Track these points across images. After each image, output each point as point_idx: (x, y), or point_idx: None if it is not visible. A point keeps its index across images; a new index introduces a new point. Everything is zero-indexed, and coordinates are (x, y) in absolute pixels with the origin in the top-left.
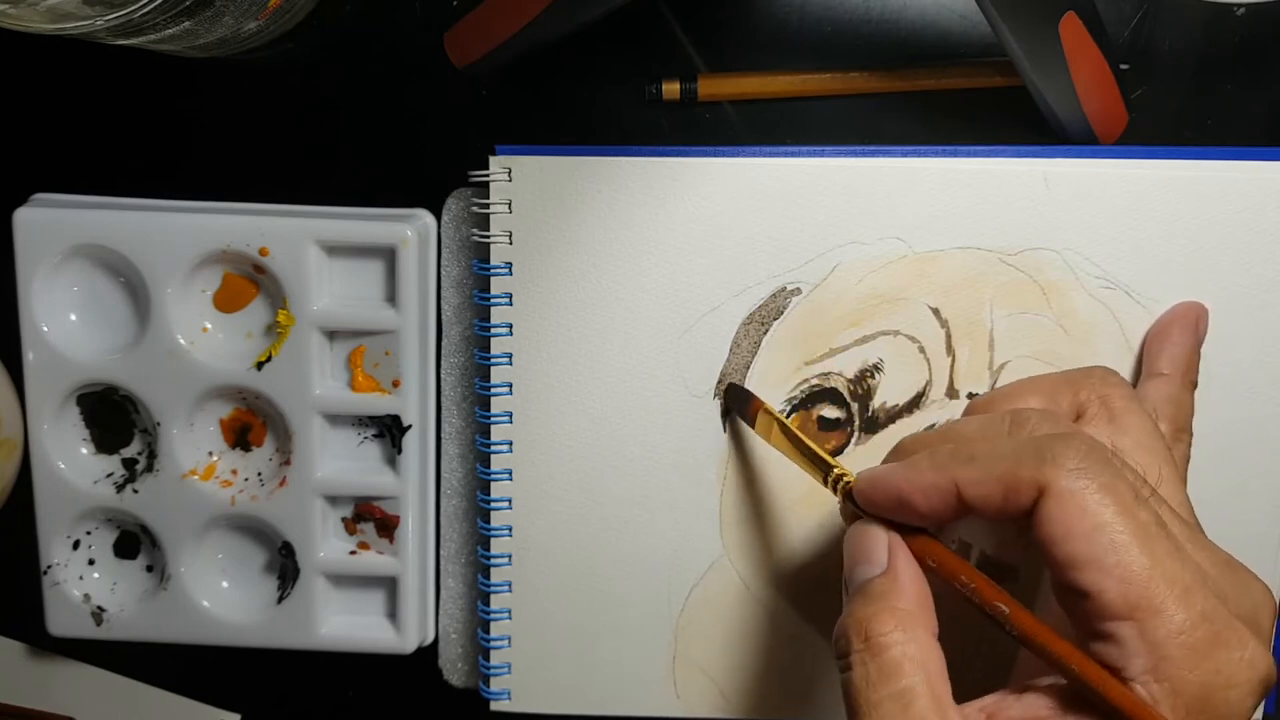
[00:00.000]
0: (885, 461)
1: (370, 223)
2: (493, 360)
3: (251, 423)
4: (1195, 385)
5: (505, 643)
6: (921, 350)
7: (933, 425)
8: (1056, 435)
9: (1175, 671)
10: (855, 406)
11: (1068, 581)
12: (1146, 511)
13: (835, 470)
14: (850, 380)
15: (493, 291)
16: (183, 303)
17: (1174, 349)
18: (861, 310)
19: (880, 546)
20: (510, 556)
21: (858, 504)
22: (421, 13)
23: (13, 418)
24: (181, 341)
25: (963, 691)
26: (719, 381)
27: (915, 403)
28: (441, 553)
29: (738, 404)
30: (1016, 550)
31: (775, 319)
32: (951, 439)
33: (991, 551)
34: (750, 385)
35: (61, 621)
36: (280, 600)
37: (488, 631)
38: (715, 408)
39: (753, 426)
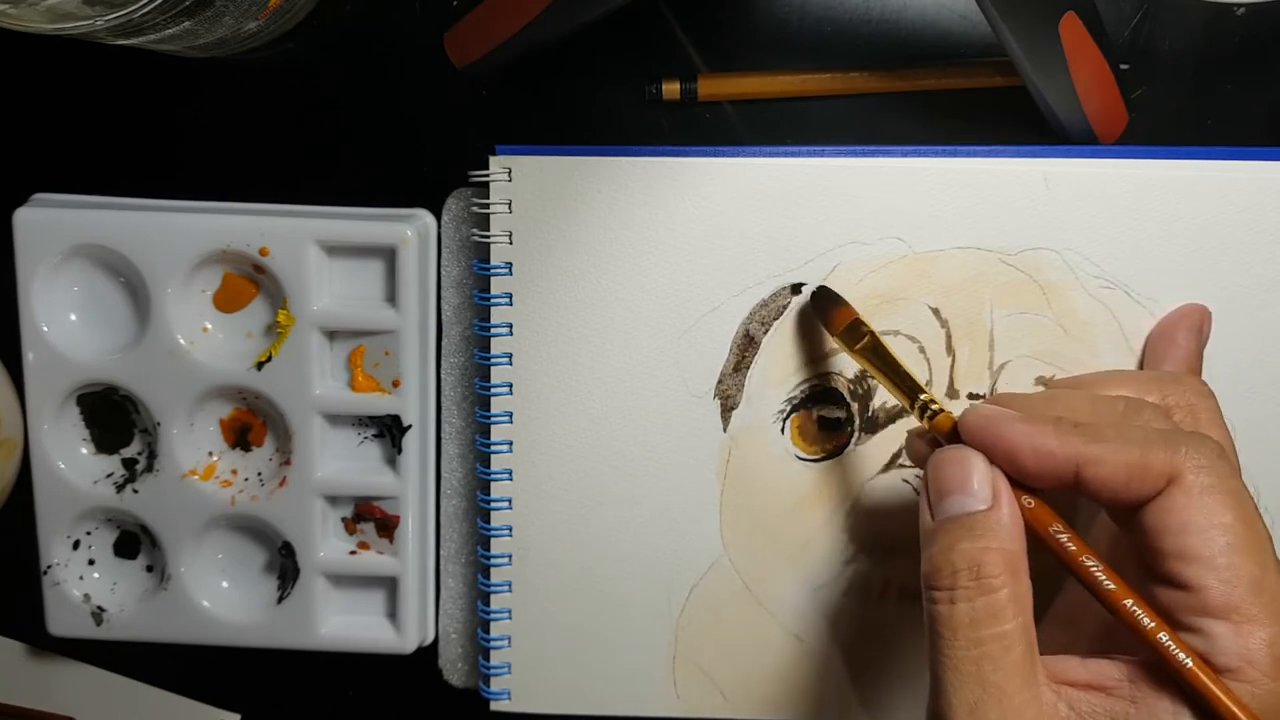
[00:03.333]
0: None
1: (370, 223)
2: (493, 360)
3: (251, 423)
4: None
5: (505, 643)
6: (922, 350)
7: None
8: (1190, 433)
9: (1258, 677)
10: (855, 406)
11: (1170, 572)
12: (1262, 524)
13: (925, 397)
14: (850, 380)
15: (493, 291)
16: (183, 303)
17: (1178, 352)
18: (861, 310)
19: (983, 480)
20: (510, 556)
21: (961, 437)
22: (421, 13)
23: (13, 418)
24: (181, 341)
25: None
26: (719, 382)
27: None
28: (441, 553)
29: (820, 307)
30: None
31: (775, 319)
32: (1063, 410)
33: None
34: (750, 385)
35: (61, 621)
36: (280, 600)
37: (488, 631)
38: (715, 408)
39: (833, 334)
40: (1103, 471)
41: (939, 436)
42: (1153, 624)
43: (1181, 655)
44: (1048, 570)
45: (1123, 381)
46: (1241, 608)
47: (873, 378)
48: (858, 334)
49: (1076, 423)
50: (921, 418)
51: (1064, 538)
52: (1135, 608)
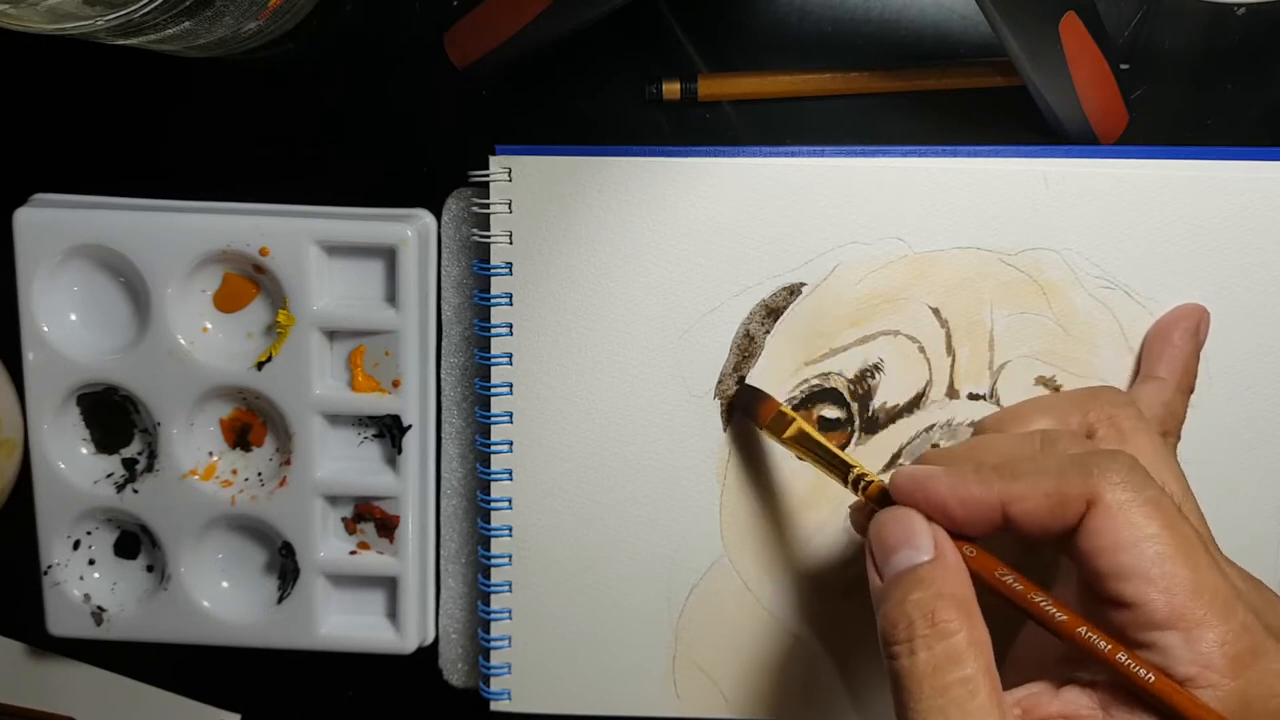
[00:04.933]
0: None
1: (370, 223)
2: (493, 360)
3: (251, 423)
4: (1191, 390)
5: (505, 643)
6: (921, 350)
7: (932, 426)
8: (1100, 452)
9: (1217, 679)
10: (855, 406)
11: (1112, 592)
12: (1188, 526)
13: (856, 470)
14: (850, 380)
15: (493, 291)
16: (183, 303)
17: (1173, 352)
18: (862, 310)
19: (923, 533)
20: (510, 556)
21: (893, 499)
22: (421, 13)
23: (13, 418)
24: (181, 341)
25: None
26: (719, 382)
27: (915, 403)
28: (441, 553)
29: (745, 404)
30: (1016, 549)
31: (775, 319)
32: (983, 455)
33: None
34: (751, 384)
35: (61, 621)
36: (280, 600)
37: (488, 631)
38: (715, 408)
39: (760, 427)
40: (1026, 506)
41: (874, 504)
42: (1109, 646)
43: (1142, 672)
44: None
45: (1042, 410)
46: (1186, 614)
47: (803, 458)
48: (784, 423)
49: (994, 465)
50: (856, 491)
51: (1010, 579)
52: (1089, 634)
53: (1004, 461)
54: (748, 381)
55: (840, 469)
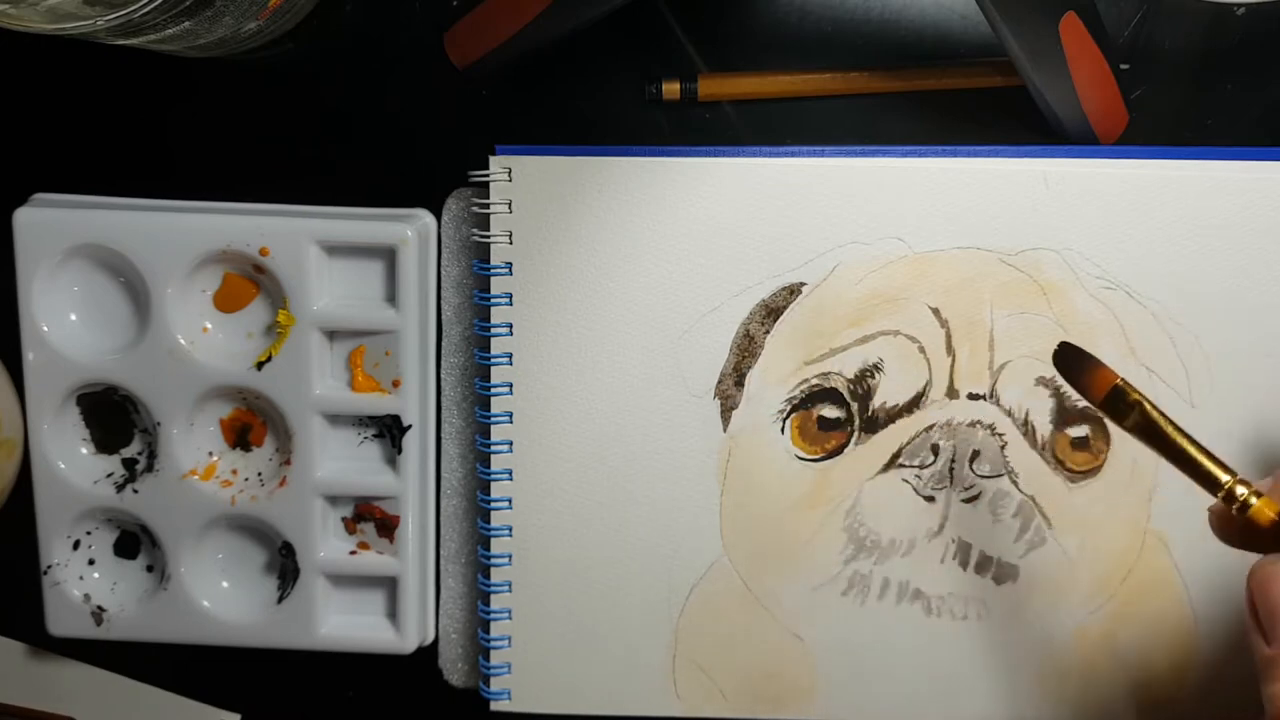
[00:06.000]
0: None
1: (370, 223)
2: (493, 360)
3: (251, 423)
4: None
5: (505, 643)
6: (921, 350)
7: (932, 425)
8: None
9: None
10: (855, 406)
11: None
12: None
13: (1230, 483)
14: (850, 380)
15: (493, 291)
16: (183, 303)
17: None
18: (861, 310)
19: None
20: (510, 556)
21: None
22: (421, 13)
23: (13, 418)
24: (181, 341)
25: None
26: (719, 382)
27: (915, 403)
28: (441, 553)
29: (1068, 369)
30: (1016, 550)
31: (775, 319)
32: None
33: (992, 551)
34: (750, 385)
35: (61, 621)
36: (280, 600)
37: (488, 631)
38: (715, 407)
39: (1093, 404)
40: None
41: (1260, 528)
42: None
43: None
44: None
45: None
46: None
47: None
48: (1125, 404)
49: None
50: (1230, 505)
51: None
52: None
53: None
54: (747, 383)
55: (1208, 478)
